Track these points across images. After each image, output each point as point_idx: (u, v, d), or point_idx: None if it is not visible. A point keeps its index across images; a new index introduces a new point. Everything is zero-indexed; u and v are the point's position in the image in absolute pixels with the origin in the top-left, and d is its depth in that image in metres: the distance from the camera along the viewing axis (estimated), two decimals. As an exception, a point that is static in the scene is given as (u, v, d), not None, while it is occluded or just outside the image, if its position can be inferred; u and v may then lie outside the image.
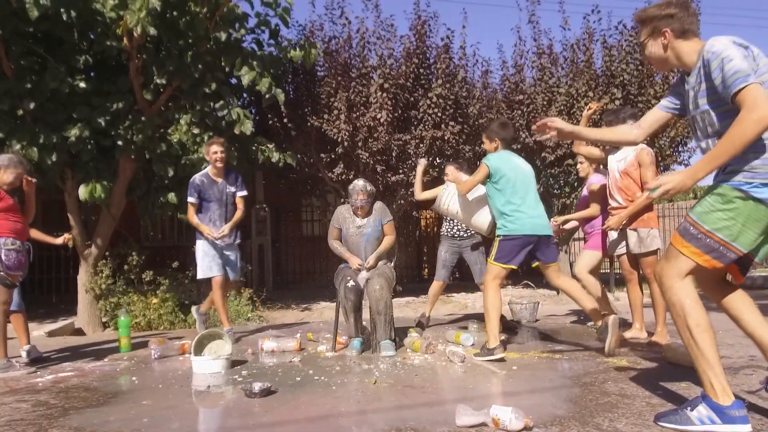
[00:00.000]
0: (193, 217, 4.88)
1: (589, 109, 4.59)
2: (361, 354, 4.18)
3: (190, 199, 4.88)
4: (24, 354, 4.36)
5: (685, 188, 2.24)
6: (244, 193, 5.08)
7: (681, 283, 2.31)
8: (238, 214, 5.00)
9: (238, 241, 5.11)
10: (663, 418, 2.35)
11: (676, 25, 2.38)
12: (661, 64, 2.51)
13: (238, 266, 5.13)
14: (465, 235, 5.21)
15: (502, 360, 3.74)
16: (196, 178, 4.94)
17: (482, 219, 4.41)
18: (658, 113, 2.61)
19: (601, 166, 4.95)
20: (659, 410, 2.52)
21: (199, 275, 4.94)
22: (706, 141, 2.34)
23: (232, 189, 5.00)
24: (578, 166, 5.18)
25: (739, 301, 2.40)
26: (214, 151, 4.87)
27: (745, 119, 2.05)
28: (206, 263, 4.87)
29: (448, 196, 4.55)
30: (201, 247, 4.89)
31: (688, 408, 2.27)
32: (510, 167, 3.96)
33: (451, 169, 5.00)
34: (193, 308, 5.28)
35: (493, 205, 4.00)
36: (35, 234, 4.59)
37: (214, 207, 4.90)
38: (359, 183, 4.50)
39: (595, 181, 4.89)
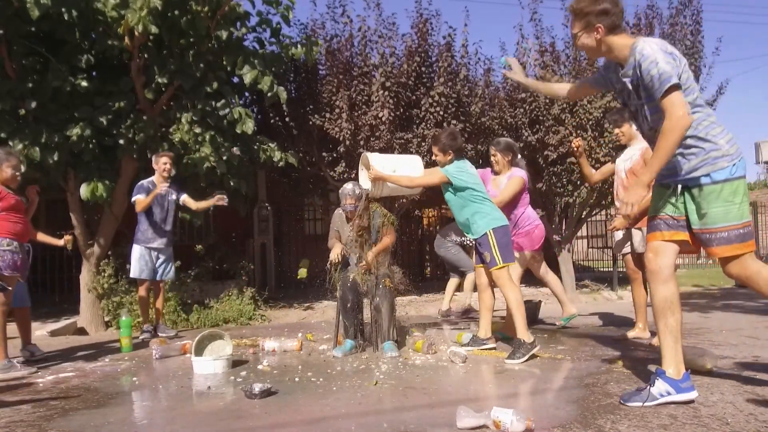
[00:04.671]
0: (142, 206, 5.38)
1: (578, 148, 4.51)
2: (352, 355, 4.12)
3: (137, 197, 5.39)
4: (25, 355, 4.38)
5: (642, 198, 2.61)
6: (184, 196, 5.70)
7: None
8: (199, 203, 5.58)
9: (170, 247, 5.64)
10: (630, 399, 2.62)
11: (608, 21, 2.63)
12: (592, 53, 2.80)
13: (171, 268, 5.66)
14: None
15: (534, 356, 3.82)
16: (144, 182, 5.47)
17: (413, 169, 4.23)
18: (587, 85, 3.13)
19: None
20: (661, 411, 2.51)
21: (132, 275, 5.52)
22: (648, 131, 2.71)
23: (173, 197, 5.61)
24: (492, 159, 4.79)
25: None
26: (164, 162, 5.46)
27: (670, 119, 2.42)
28: (140, 266, 5.43)
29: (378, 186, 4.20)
30: (137, 251, 5.44)
31: (649, 386, 2.61)
32: (469, 174, 4.03)
33: None
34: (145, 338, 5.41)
35: (466, 208, 4.00)
36: (40, 237, 4.69)
37: (156, 211, 5.48)
38: (347, 187, 4.41)
39: (518, 174, 4.66)
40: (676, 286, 2.65)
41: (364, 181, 4.33)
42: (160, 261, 5.55)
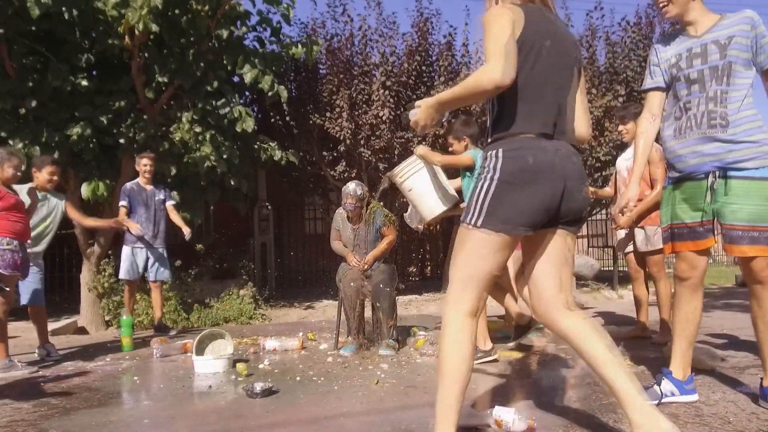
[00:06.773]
0: (123, 217, 5.41)
1: (594, 194, 4.45)
2: (355, 355, 4.11)
3: (122, 203, 5.46)
4: (41, 354, 4.41)
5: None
6: (171, 202, 5.72)
7: None
8: (176, 217, 5.67)
9: (162, 246, 5.62)
10: None
11: None
12: (680, 5, 2.50)
13: (164, 268, 5.61)
14: None
15: (495, 360, 3.72)
16: (127, 185, 5.55)
17: (436, 205, 3.58)
18: (660, 94, 2.65)
19: None
20: (663, 410, 2.50)
21: (120, 275, 5.55)
22: (714, 89, 2.42)
23: (161, 197, 5.62)
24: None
25: None
26: (144, 163, 5.52)
27: None
28: (126, 267, 5.46)
29: (415, 170, 3.52)
30: (126, 252, 5.48)
31: (656, 384, 2.62)
32: None
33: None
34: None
35: None
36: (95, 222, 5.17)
37: (141, 211, 5.50)
38: (350, 186, 4.38)
39: None
40: (702, 295, 2.58)
41: (412, 218, 3.97)
42: (151, 261, 5.51)
